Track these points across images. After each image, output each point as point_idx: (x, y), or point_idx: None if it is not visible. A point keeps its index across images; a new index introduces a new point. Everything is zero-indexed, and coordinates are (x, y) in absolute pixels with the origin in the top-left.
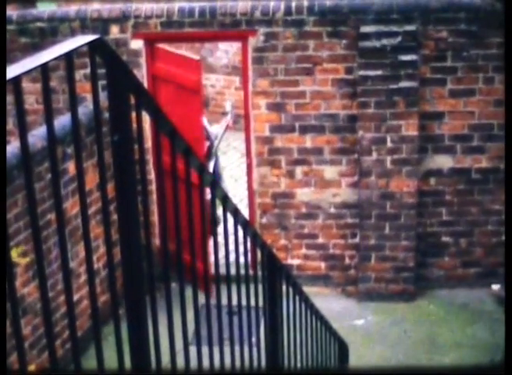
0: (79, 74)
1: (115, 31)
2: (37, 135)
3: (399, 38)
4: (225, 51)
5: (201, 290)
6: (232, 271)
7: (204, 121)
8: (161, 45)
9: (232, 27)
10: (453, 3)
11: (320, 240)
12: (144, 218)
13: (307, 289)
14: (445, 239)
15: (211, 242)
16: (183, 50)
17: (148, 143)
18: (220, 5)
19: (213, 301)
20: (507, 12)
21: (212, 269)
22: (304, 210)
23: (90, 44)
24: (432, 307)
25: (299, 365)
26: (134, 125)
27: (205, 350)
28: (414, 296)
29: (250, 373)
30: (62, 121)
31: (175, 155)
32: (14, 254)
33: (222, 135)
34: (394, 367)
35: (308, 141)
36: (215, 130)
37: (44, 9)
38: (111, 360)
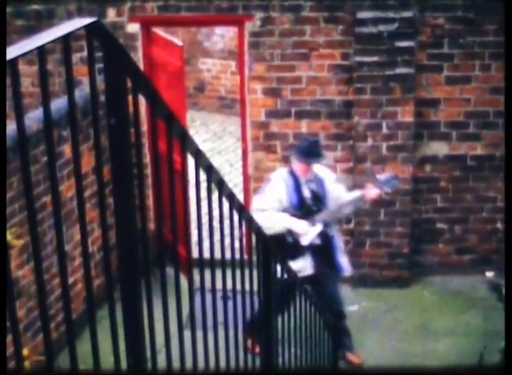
0: (75, 57)
1: (111, 14)
2: (33, 118)
3: (395, 24)
4: (222, 36)
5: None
6: (227, 256)
7: (331, 176)
8: (156, 29)
9: (229, 12)
10: None
11: None
12: (139, 201)
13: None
14: (439, 226)
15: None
16: (180, 34)
17: (144, 127)
18: None
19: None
20: (507, 12)
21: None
22: None
23: (87, 27)
24: (425, 293)
25: (293, 350)
26: (131, 108)
27: (200, 334)
28: (408, 282)
29: (248, 373)
30: (58, 104)
31: (171, 139)
32: (9, 236)
33: (348, 204)
34: (393, 367)
35: (304, 127)
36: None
37: None
38: (105, 343)
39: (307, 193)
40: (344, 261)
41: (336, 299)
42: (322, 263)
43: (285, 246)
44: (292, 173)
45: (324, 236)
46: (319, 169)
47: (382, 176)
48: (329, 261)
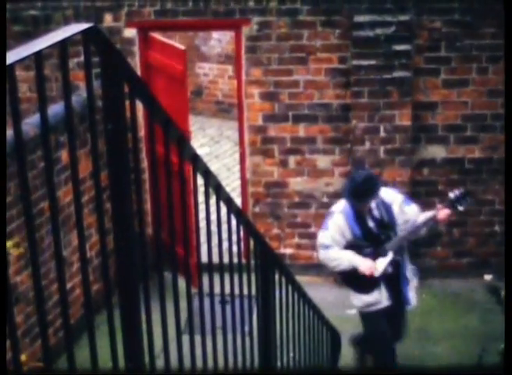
0: (72, 62)
1: (108, 19)
2: (30, 123)
3: (392, 28)
4: (219, 40)
5: (194, 279)
6: (226, 260)
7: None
8: (154, 34)
9: (226, 16)
10: None
11: (313, 229)
12: (137, 207)
13: (300, 278)
14: (438, 229)
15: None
16: (177, 39)
17: (142, 132)
18: None
19: (206, 290)
20: (507, 11)
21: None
22: (296, 199)
23: (84, 32)
24: (424, 296)
25: (291, 354)
26: (128, 113)
27: (198, 339)
28: None
29: (247, 374)
30: (55, 109)
31: (168, 143)
32: (8, 244)
33: (418, 228)
34: (393, 367)
35: (301, 131)
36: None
37: None
38: (103, 349)
39: (370, 222)
40: (411, 293)
41: (402, 328)
42: (395, 293)
43: (357, 279)
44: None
45: (395, 264)
46: (384, 192)
47: (452, 194)
48: (398, 291)
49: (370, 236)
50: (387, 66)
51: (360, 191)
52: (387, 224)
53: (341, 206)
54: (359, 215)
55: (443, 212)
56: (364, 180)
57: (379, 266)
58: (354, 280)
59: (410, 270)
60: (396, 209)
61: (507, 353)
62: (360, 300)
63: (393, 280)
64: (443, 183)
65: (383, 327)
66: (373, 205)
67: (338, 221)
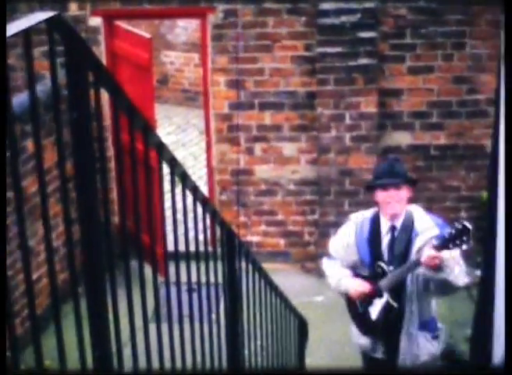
0: (37, 51)
1: (73, 8)
2: None
3: (358, 15)
4: (184, 28)
5: (161, 268)
6: (192, 248)
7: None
8: (120, 22)
9: (192, 4)
10: None
11: (279, 216)
12: (102, 196)
13: (267, 266)
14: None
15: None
16: (143, 27)
17: (107, 120)
18: None
19: (173, 279)
20: (507, 11)
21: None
22: (263, 187)
23: (48, 20)
24: None
25: (259, 342)
26: (93, 103)
27: (165, 327)
28: None
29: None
30: (20, 99)
31: (133, 132)
32: None
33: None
34: (392, 367)
35: (267, 118)
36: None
37: None
38: (70, 338)
39: (384, 244)
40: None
41: None
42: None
43: (354, 313)
44: (375, 218)
45: (392, 311)
46: (420, 217)
47: (448, 231)
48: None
49: (377, 264)
50: (352, 53)
51: (391, 167)
52: (401, 254)
53: (361, 216)
54: (375, 231)
55: (428, 256)
56: (395, 159)
57: (374, 309)
58: (351, 307)
59: (424, 331)
60: (418, 240)
61: (507, 353)
62: (354, 335)
63: (392, 334)
64: (409, 170)
65: None
66: (399, 220)
67: (348, 232)
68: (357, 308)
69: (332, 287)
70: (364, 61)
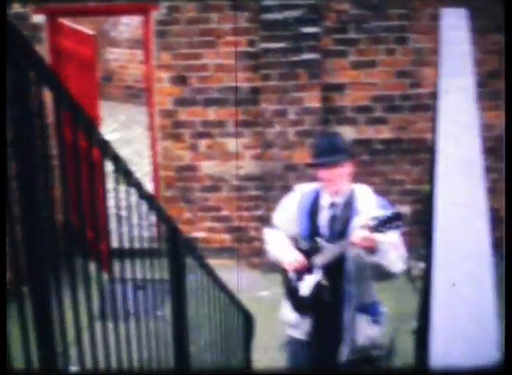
0: None
1: (16, 5)
2: None
3: (301, 10)
4: (127, 25)
5: (105, 265)
6: (137, 245)
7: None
8: (63, 19)
9: (135, 0)
10: None
11: (224, 212)
12: (45, 193)
13: (213, 261)
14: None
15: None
16: (86, 24)
17: (50, 118)
18: None
19: (118, 276)
20: (507, 11)
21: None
22: (208, 183)
23: None
24: None
25: (205, 338)
26: (35, 101)
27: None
28: None
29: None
30: None
31: (76, 130)
32: None
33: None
34: (392, 367)
35: (211, 114)
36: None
37: None
38: (16, 339)
39: (324, 220)
40: (347, 344)
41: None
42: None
43: (287, 287)
44: (318, 192)
45: (326, 290)
46: (364, 196)
47: (379, 215)
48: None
49: (315, 238)
50: (296, 48)
51: (332, 144)
52: (342, 230)
53: (305, 188)
54: (315, 205)
55: (358, 236)
56: (334, 135)
57: (305, 285)
58: (285, 280)
59: (363, 312)
60: (357, 221)
61: (507, 353)
62: (284, 311)
63: (329, 313)
64: (353, 164)
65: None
66: (341, 198)
67: (289, 204)
68: (290, 281)
69: (270, 255)
70: (307, 56)
